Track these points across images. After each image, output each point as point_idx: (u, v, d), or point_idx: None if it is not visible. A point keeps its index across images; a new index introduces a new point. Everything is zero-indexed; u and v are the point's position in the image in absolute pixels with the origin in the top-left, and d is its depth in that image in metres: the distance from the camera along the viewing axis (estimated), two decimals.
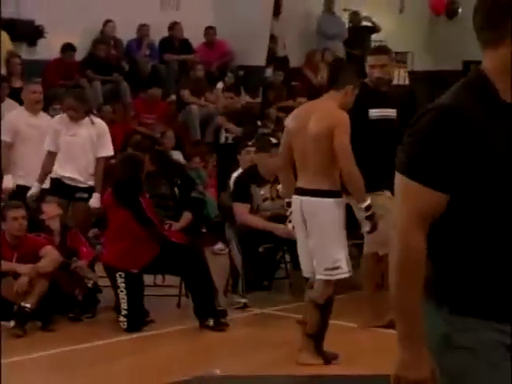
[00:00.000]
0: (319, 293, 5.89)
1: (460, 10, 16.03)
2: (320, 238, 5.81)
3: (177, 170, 8.44)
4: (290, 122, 6.12)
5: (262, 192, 7.81)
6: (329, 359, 5.95)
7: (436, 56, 17.12)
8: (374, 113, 6.41)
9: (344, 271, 5.89)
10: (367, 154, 6.12)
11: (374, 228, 5.90)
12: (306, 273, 6.06)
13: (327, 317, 5.99)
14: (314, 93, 13.87)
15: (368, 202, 5.81)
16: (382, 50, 6.81)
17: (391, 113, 6.50)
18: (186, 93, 12.89)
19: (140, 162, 7.23)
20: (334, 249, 5.83)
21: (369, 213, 5.83)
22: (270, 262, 8.28)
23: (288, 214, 6.33)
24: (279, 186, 7.81)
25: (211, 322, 6.82)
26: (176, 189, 7.87)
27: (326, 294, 5.91)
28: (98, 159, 7.85)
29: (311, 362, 5.89)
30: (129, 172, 7.04)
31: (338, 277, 5.90)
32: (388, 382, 2.45)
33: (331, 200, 5.77)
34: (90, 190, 7.75)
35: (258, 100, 13.92)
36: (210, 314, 6.86)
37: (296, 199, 5.92)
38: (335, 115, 5.78)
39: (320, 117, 5.77)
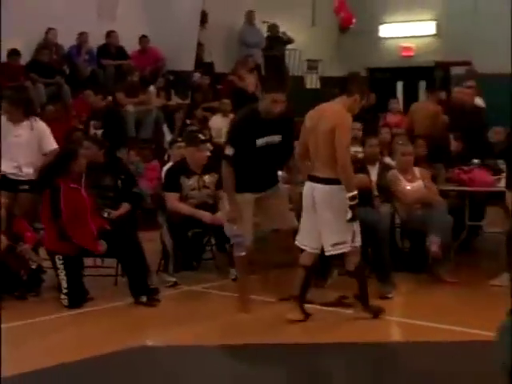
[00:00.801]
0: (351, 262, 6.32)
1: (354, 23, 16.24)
2: (329, 218, 6.11)
3: (122, 167, 8.45)
4: (306, 121, 6.35)
5: (190, 182, 7.77)
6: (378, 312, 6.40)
7: (343, 63, 17.27)
8: (260, 141, 6.47)
9: (348, 245, 6.19)
10: (249, 168, 6.46)
11: (354, 217, 6.08)
12: (307, 245, 6.35)
13: (364, 279, 6.43)
14: (238, 95, 14.03)
15: (355, 192, 6.04)
16: (282, 86, 6.80)
17: (276, 138, 6.54)
18: (120, 95, 12.82)
19: (70, 153, 7.15)
20: (340, 226, 6.11)
21: (353, 202, 6.03)
22: (197, 244, 8.26)
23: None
24: (206, 177, 7.84)
25: (144, 299, 6.79)
26: (119, 182, 7.82)
27: (353, 261, 6.31)
28: (44, 155, 7.71)
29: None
30: (52, 160, 7.02)
31: (345, 250, 6.21)
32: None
33: (337, 186, 6.06)
34: (31, 183, 7.61)
35: (187, 101, 13.91)
36: (143, 292, 6.83)
37: (309, 184, 6.25)
38: (339, 116, 6.12)
39: (328, 117, 6.14)
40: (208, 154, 7.97)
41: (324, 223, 6.18)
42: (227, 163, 6.49)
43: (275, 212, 6.72)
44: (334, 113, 6.16)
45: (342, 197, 6.04)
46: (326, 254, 6.29)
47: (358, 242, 6.27)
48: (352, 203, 6.03)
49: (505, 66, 14.38)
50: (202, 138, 7.96)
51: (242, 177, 6.50)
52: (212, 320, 6.49)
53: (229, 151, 6.44)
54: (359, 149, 8.86)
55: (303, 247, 6.39)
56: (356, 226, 6.21)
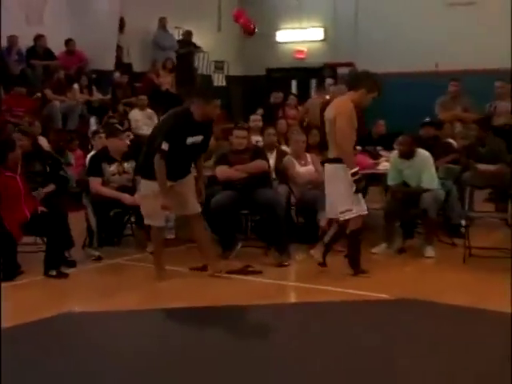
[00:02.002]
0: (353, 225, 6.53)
1: (257, 30, 16.24)
2: (335, 190, 6.46)
3: (47, 153, 8.26)
4: (325, 113, 6.62)
5: (111, 168, 7.66)
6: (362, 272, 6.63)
7: (246, 64, 17.31)
8: (190, 140, 6.44)
9: (353, 212, 6.44)
10: (172, 162, 6.36)
11: (357, 190, 6.36)
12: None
13: (356, 244, 6.66)
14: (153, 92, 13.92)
15: (355, 169, 6.31)
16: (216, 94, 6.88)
17: (200, 138, 6.53)
18: (48, 91, 12.55)
19: (7, 144, 6.98)
20: (344, 197, 6.40)
21: (356, 177, 6.30)
22: (118, 222, 8.14)
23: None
24: (125, 164, 7.74)
25: (54, 273, 6.66)
26: (47, 167, 7.64)
27: (351, 227, 6.54)
28: None
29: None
30: None
31: (351, 216, 6.46)
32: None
33: (340, 165, 6.35)
34: None
35: (109, 97, 13.71)
36: (58, 265, 6.72)
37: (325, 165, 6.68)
38: (340, 106, 6.43)
39: (332, 108, 6.50)
40: (127, 142, 7.87)
41: (332, 195, 6.51)
42: (161, 157, 6.30)
43: (181, 199, 6.65)
44: (338, 104, 6.49)
45: (344, 173, 6.32)
46: (340, 219, 6.53)
47: (363, 210, 6.48)
48: (354, 178, 6.29)
49: (383, 65, 14.63)
50: (121, 128, 7.84)
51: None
52: (132, 288, 6.43)
53: (165, 146, 6.27)
54: (259, 138, 8.92)
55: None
56: (360, 197, 6.47)
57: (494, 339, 4.96)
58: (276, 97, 12.81)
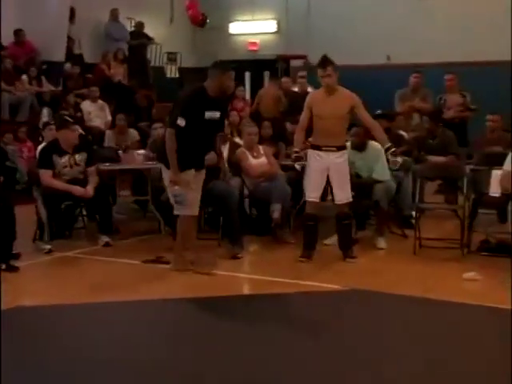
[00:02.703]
0: None
1: (208, 21, 16.19)
2: (346, 177, 6.92)
3: None
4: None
5: (62, 161, 7.55)
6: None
7: (199, 56, 17.23)
8: (208, 114, 6.35)
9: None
10: (194, 142, 6.34)
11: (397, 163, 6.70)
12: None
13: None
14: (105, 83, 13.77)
15: (389, 144, 6.69)
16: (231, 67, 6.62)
17: (217, 114, 6.43)
18: None
19: None
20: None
21: (392, 150, 6.65)
22: (69, 215, 8.06)
23: None
24: (76, 156, 7.64)
25: (3, 266, 6.55)
26: None
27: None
28: None
29: None
30: None
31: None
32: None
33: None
34: None
35: (60, 88, 13.51)
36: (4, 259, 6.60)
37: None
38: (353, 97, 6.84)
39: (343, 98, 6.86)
40: (78, 134, 7.78)
41: (345, 181, 6.84)
42: (173, 133, 6.25)
43: (195, 194, 6.58)
44: (349, 95, 6.84)
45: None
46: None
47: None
48: (392, 151, 6.72)
49: (336, 58, 14.71)
50: (71, 120, 7.74)
51: (185, 154, 6.34)
52: (83, 281, 6.36)
53: (180, 122, 6.20)
54: None
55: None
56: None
57: (444, 328, 5.05)
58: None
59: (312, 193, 6.75)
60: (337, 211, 6.89)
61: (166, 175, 6.54)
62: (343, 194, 6.79)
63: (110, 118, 12.64)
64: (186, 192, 6.42)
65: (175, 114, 6.26)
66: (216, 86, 6.29)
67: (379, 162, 7.46)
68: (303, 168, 6.90)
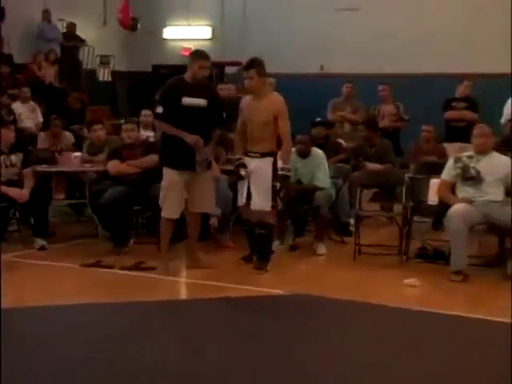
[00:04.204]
0: None
1: (139, 25, 16.08)
2: (266, 184, 6.58)
3: None
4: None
5: None
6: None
7: (132, 59, 17.09)
8: (186, 100, 6.41)
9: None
10: (182, 126, 6.40)
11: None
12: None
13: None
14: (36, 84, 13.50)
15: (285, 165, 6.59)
16: (208, 56, 6.59)
17: (202, 101, 6.47)
18: None
19: None
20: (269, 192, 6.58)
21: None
22: (2, 218, 7.84)
23: None
24: (12, 157, 7.47)
25: None
26: None
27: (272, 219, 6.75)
28: None
29: None
30: None
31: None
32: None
33: (270, 159, 6.54)
34: None
35: None
36: None
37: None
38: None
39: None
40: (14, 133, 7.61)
41: (264, 188, 6.57)
42: (159, 120, 6.55)
43: (198, 196, 6.64)
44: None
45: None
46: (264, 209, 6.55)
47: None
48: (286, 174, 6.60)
49: (271, 66, 14.84)
50: (10, 119, 7.58)
51: (169, 148, 6.48)
52: (21, 286, 6.21)
53: (159, 109, 6.40)
54: (151, 133, 8.85)
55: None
56: None
57: (382, 332, 5.14)
58: None
59: (240, 197, 6.73)
60: (256, 219, 6.66)
61: (166, 175, 6.56)
62: (261, 202, 6.50)
63: (41, 119, 12.40)
64: (166, 192, 6.45)
65: (155, 104, 6.44)
66: (191, 73, 6.46)
67: (321, 168, 7.55)
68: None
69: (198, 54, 6.62)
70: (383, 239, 7.88)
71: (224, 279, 6.43)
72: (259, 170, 6.48)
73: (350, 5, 14.96)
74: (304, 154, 7.60)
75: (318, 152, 7.59)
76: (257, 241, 6.74)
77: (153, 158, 7.32)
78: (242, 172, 6.54)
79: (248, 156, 6.60)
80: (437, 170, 7.30)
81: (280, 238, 7.72)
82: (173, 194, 6.51)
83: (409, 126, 10.91)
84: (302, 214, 7.88)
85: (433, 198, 7.06)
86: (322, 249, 7.58)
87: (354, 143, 9.57)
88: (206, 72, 6.50)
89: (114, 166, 7.54)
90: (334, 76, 14.26)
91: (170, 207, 6.55)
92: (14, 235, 8.07)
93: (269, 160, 6.46)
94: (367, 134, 8.98)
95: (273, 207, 6.56)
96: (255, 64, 6.51)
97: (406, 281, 6.31)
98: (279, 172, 6.47)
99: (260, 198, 6.49)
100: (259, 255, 6.74)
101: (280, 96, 6.64)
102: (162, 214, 6.61)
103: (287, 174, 6.53)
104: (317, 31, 15.24)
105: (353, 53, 14.77)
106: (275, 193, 6.56)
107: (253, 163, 6.52)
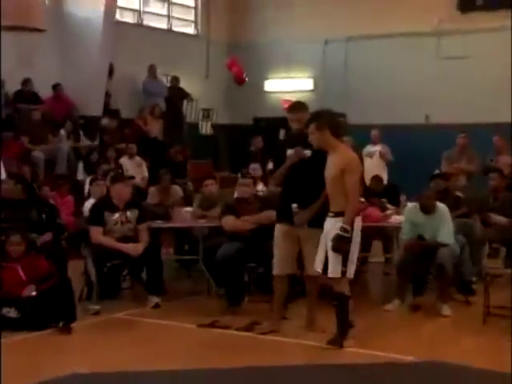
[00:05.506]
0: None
1: (247, 79, 16.04)
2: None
3: (43, 201, 7.88)
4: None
5: (113, 217, 7.26)
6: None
7: (233, 113, 17.11)
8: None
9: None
10: None
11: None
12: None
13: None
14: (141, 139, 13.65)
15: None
16: (296, 108, 6.36)
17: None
18: (25, 139, 11.98)
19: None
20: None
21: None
22: (117, 275, 7.72)
23: None
24: (128, 212, 7.37)
25: (61, 324, 6.26)
26: (44, 215, 7.26)
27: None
28: None
29: None
30: None
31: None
32: None
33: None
34: None
35: (96, 143, 13.37)
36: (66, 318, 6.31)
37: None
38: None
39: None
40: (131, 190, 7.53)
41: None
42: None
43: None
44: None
45: None
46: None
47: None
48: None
49: (373, 117, 14.59)
50: (127, 175, 7.51)
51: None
52: (139, 346, 6.00)
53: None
54: (262, 187, 8.65)
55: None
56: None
57: None
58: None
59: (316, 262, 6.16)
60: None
61: (277, 231, 6.34)
62: (330, 267, 5.84)
63: (147, 174, 12.45)
64: (276, 248, 6.24)
65: None
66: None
67: (445, 224, 7.14)
68: None
69: (288, 108, 6.43)
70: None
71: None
72: (333, 230, 5.82)
73: (456, 53, 14.51)
74: (428, 210, 7.19)
75: (442, 207, 7.18)
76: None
77: (270, 214, 7.05)
78: None
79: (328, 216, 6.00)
80: None
81: (400, 296, 7.30)
82: (279, 249, 6.26)
83: None
84: (423, 272, 7.44)
85: None
86: (446, 310, 7.09)
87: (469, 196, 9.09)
88: (296, 124, 6.23)
89: (229, 221, 7.32)
90: (442, 127, 13.85)
91: (277, 263, 6.28)
92: (125, 292, 7.93)
93: (340, 220, 5.80)
94: (497, 184, 8.49)
95: (343, 274, 5.83)
96: (315, 118, 6.01)
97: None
98: (335, 231, 5.78)
99: (330, 262, 5.83)
100: (337, 329, 6.01)
101: (351, 151, 6.11)
102: (273, 271, 6.34)
103: (343, 234, 5.71)
104: (421, 80, 14.86)
105: (458, 102, 14.28)
106: (346, 257, 5.80)
107: (328, 223, 5.92)
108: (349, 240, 5.73)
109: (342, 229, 5.70)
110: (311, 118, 6.06)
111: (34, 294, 6.31)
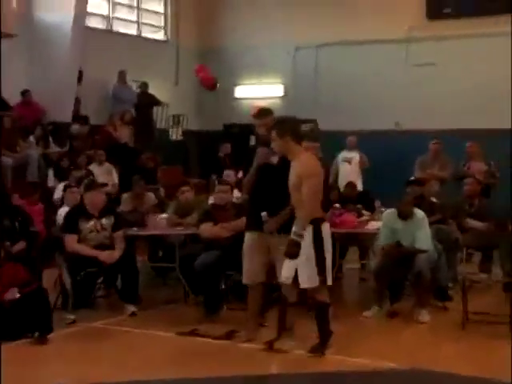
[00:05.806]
0: None
1: (218, 85, 15.94)
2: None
3: (17, 210, 7.72)
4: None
5: (88, 225, 7.14)
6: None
7: (203, 119, 17.02)
8: None
9: None
10: None
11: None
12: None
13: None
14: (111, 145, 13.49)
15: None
16: (261, 114, 6.30)
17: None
18: None
19: None
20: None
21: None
22: (92, 283, 7.56)
23: None
24: (103, 220, 7.24)
25: (37, 334, 6.11)
26: (17, 223, 7.12)
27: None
28: None
29: None
30: None
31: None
32: None
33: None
34: None
35: (65, 149, 13.17)
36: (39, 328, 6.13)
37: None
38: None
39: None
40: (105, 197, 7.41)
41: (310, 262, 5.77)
42: None
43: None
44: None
45: None
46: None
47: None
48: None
49: (342, 123, 14.61)
50: (100, 183, 7.40)
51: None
52: (117, 356, 5.89)
53: None
54: (239, 193, 8.58)
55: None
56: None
57: None
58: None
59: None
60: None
61: (247, 239, 6.19)
62: (304, 277, 5.73)
63: (117, 181, 12.30)
64: (245, 257, 6.12)
65: None
66: None
67: (423, 230, 7.14)
68: None
69: (254, 114, 6.35)
70: (488, 305, 7.33)
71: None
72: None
73: (426, 60, 14.59)
74: (405, 216, 7.19)
75: (419, 213, 7.19)
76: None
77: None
78: None
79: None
80: None
81: (378, 302, 7.29)
82: (248, 258, 6.14)
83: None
84: (400, 278, 7.43)
85: None
86: (425, 316, 7.09)
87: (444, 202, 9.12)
88: (262, 130, 6.15)
89: (207, 229, 7.24)
90: (412, 133, 13.92)
91: (246, 273, 6.18)
92: (100, 301, 7.80)
93: (309, 228, 5.65)
94: (472, 189, 8.52)
95: (323, 282, 5.72)
96: (277, 125, 5.93)
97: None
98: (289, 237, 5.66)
99: (303, 273, 5.69)
100: (319, 337, 5.91)
101: (313, 158, 5.97)
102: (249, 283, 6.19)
103: (296, 239, 5.58)
104: (391, 87, 14.91)
105: (429, 109, 14.36)
106: (322, 265, 5.67)
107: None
108: (298, 246, 5.59)
109: (295, 234, 5.61)
110: (273, 125, 5.98)
111: (17, 296, 6.14)
